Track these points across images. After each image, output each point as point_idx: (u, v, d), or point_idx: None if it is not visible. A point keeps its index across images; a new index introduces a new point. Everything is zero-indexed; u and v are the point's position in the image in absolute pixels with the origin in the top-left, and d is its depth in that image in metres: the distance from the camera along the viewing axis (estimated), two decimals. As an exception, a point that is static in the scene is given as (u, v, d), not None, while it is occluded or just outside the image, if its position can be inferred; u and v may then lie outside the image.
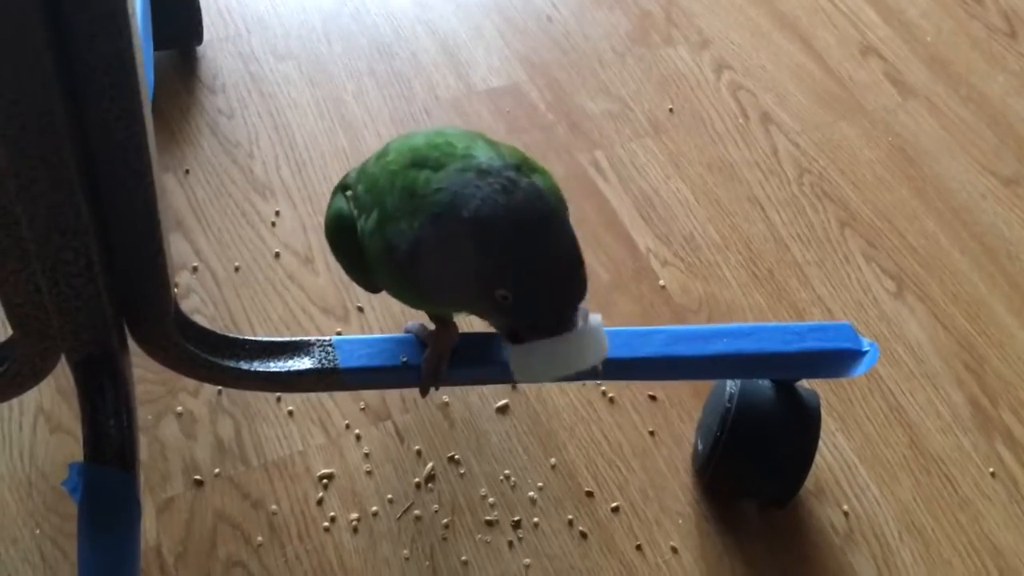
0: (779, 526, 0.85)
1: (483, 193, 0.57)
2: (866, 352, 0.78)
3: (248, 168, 1.06)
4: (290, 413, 0.88)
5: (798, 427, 0.80)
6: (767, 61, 1.24)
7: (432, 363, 0.72)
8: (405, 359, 0.73)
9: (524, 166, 0.64)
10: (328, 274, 0.98)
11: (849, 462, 0.90)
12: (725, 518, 0.85)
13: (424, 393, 0.75)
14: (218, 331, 0.72)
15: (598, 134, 1.13)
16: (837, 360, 0.78)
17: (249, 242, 1.01)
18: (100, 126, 0.55)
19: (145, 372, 0.86)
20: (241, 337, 0.72)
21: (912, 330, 1.01)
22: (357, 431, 0.88)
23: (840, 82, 1.23)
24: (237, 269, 0.98)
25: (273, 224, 1.02)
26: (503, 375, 0.73)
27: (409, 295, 0.67)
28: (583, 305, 0.60)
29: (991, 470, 0.91)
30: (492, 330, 0.72)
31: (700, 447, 0.85)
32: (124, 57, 0.52)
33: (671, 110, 1.16)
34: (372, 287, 0.70)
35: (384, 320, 0.95)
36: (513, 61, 1.19)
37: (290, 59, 1.18)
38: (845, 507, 0.87)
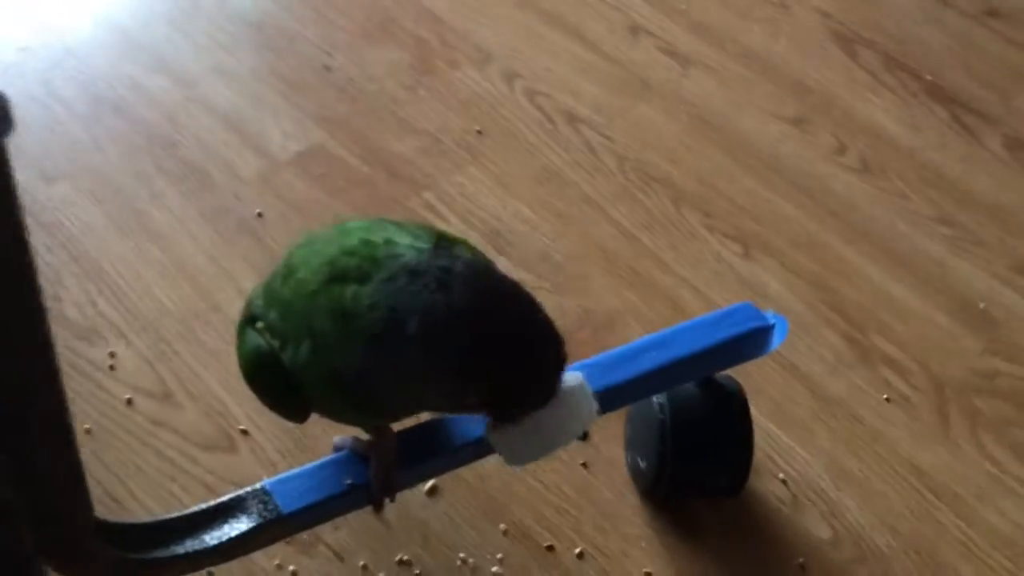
0: (732, 515, 0.86)
1: (422, 301, 0.52)
2: (773, 325, 0.79)
3: (59, 314, 0.94)
4: (209, 574, 0.79)
5: (734, 415, 0.81)
6: (551, 62, 1.24)
7: (382, 474, 0.67)
8: (350, 481, 0.67)
9: (443, 241, 0.59)
10: (194, 404, 0.89)
11: (768, 431, 0.92)
12: (683, 526, 0.85)
13: (379, 509, 0.69)
14: (132, 520, 0.62)
15: (419, 174, 1.09)
16: (753, 341, 0.79)
17: (91, 397, 0.89)
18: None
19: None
20: (161, 518, 0.63)
21: (771, 286, 1.04)
22: (291, 567, 0.80)
23: (623, 66, 1.25)
24: (88, 431, 0.87)
25: (112, 368, 0.91)
26: (457, 461, 0.69)
27: (362, 416, 0.61)
28: None
29: (885, 396, 0.97)
30: (431, 417, 0.67)
31: (643, 465, 0.84)
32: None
33: (480, 132, 1.14)
34: (302, 417, 0.63)
35: (278, 436, 0.87)
36: (306, 121, 1.12)
37: (62, 179, 1.05)
38: (781, 475, 0.90)
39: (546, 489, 0.86)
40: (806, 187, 1.15)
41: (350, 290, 0.55)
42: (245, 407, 0.88)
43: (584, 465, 0.88)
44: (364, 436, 0.69)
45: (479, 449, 0.70)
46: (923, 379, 0.98)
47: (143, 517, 0.80)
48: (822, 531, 0.86)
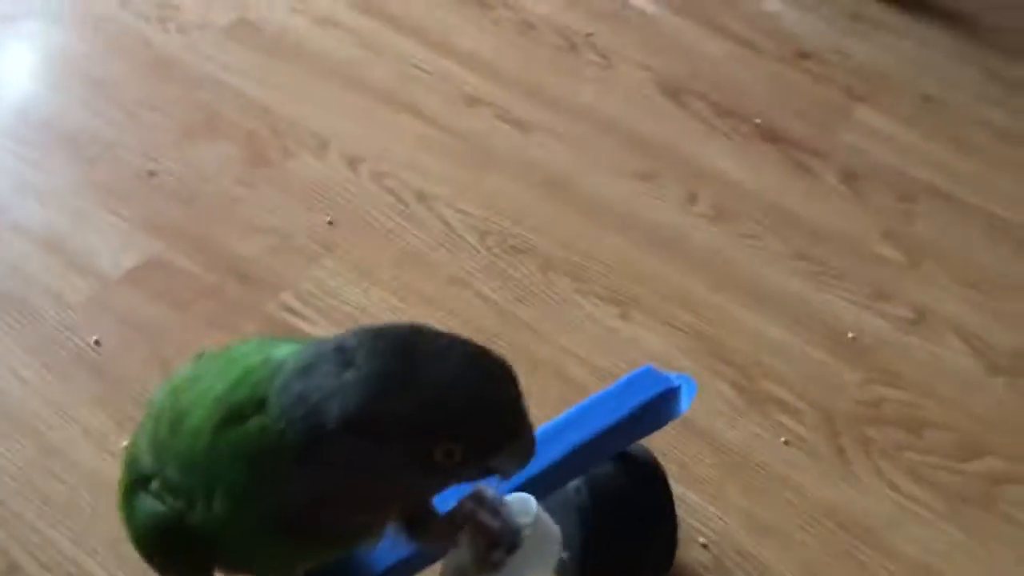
0: (662, 591, 0.82)
1: (329, 390, 0.45)
2: (679, 386, 0.76)
3: None
4: None
5: (655, 486, 0.77)
6: (391, 141, 1.19)
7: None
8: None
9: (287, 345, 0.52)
10: None
11: (680, 495, 0.89)
12: (615, 611, 0.80)
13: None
14: None
15: (272, 275, 1.01)
16: (663, 405, 0.75)
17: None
18: None
19: None
20: None
21: (654, 344, 1.02)
22: None
23: (464, 137, 1.22)
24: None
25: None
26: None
27: (307, 556, 0.53)
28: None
29: (783, 439, 0.96)
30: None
31: (564, 557, 0.78)
32: None
33: (330, 222, 1.08)
34: None
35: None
36: (137, 233, 1.02)
37: None
38: (701, 539, 0.86)
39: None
40: (666, 240, 1.14)
41: (254, 423, 0.47)
42: (109, 567, 0.77)
43: (500, 564, 0.81)
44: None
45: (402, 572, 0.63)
46: (813, 417, 0.98)
47: None
48: (752, 591, 0.83)
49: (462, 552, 0.58)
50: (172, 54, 1.25)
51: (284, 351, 0.49)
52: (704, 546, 0.86)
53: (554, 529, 0.53)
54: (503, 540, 0.56)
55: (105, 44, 1.26)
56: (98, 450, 0.83)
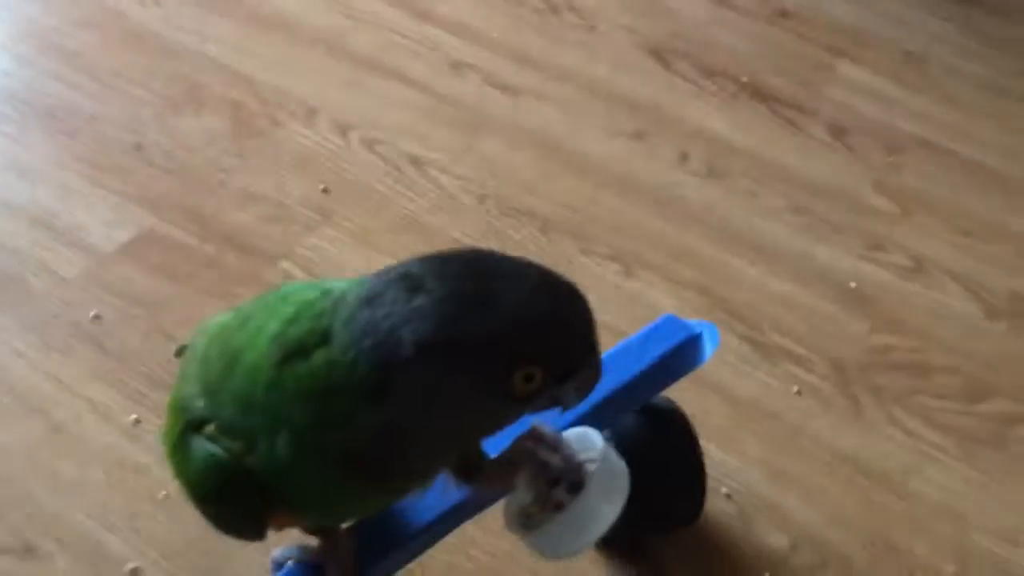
0: (691, 545, 0.82)
1: (401, 317, 0.43)
2: (700, 333, 0.75)
3: None
4: None
5: (682, 437, 0.76)
6: (380, 107, 1.17)
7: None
8: (309, 597, 0.56)
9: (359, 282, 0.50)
10: (65, 552, 0.74)
11: (699, 447, 0.88)
12: (647, 568, 0.79)
13: (348, 619, 0.58)
14: None
15: (270, 244, 0.98)
16: (688, 352, 0.75)
17: (-69, 564, 0.73)
18: None
19: None
20: None
21: (662, 300, 1.02)
22: None
23: (454, 102, 1.20)
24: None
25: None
26: (420, 548, 0.60)
27: (368, 497, 0.51)
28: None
29: (796, 389, 0.95)
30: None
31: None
32: None
33: (325, 190, 1.05)
34: (261, 532, 0.52)
35: (181, 567, 0.74)
36: (128, 206, 0.99)
37: None
38: (724, 490, 0.86)
39: (497, 559, 0.78)
40: (664, 198, 1.13)
41: (317, 358, 0.45)
42: (131, 541, 0.74)
43: (526, 523, 0.80)
44: (310, 545, 0.58)
45: (438, 530, 0.62)
46: (824, 366, 0.98)
47: None
48: (779, 540, 0.83)
49: (521, 494, 0.57)
50: (147, 26, 1.21)
51: (343, 284, 0.47)
52: (728, 496, 0.85)
53: (621, 464, 0.52)
54: (565, 477, 0.54)
55: (76, 17, 1.22)
56: (106, 424, 0.81)
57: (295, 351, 0.46)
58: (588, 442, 0.54)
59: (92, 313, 0.89)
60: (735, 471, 0.87)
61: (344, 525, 0.58)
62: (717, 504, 0.84)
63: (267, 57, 1.20)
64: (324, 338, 0.45)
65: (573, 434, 0.57)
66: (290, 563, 0.58)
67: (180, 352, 0.71)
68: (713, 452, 0.88)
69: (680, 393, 0.90)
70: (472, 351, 0.43)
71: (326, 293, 0.47)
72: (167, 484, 0.77)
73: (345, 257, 0.99)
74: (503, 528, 0.79)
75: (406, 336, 0.43)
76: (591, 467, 0.50)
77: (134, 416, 0.81)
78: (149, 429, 0.81)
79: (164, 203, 1.00)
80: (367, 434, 0.45)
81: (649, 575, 0.79)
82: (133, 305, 0.90)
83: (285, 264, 0.97)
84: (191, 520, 0.75)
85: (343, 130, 1.13)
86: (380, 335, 0.43)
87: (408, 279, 0.44)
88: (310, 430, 0.46)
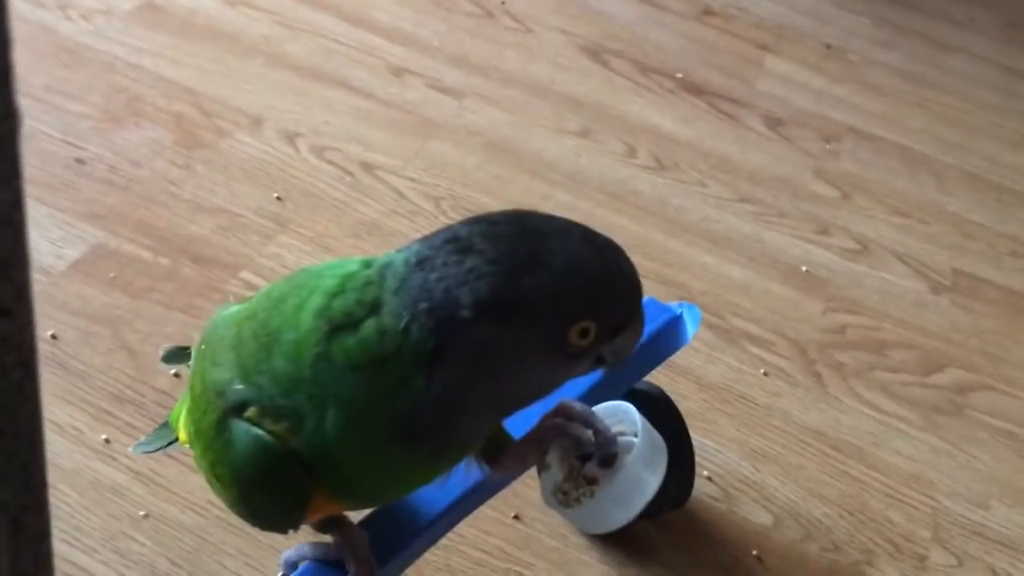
0: (679, 528, 0.82)
1: (456, 278, 0.43)
2: (681, 314, 0.76)
3: None
4: None
5: (671, 421, 0.77)
6: (326, 115, 1.15)
7: (366, 570, 0.55)
8: (332, 595, 0.55)
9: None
10: None
11: (677, 432, 0.89)
12: (636, 552, 0.80)
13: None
14: None
15: (227, 254, 0.96)
16: (671, 333, 0.75)
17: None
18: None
19: None
20: None
21: (623, 292, 1.02)
22: None
23: (399, 107, 1.19)
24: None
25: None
26: (435, 534, 0.60)
27: (418, 473, 0.50)
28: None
29: (763, 371, 0.97)
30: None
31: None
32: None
33: (279, 198, 1.03)
34: (300, 519, 0.50)
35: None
36: (76, 223, 0.96)
37: None
38: (705, 473, 0.87)
39: (489, 556, 0.77)
40: (616, 192, 1.15)
41: (366, 329, 0.44)
42: (111, 563, 0.71)
43: (516, 518, 0.80)
44: (320, 543, 0.57)
45: (453, 517, 0.61)
46: (786, 348, 1.00)
47: None
48: (763, 518, 0.84)
49: (555, 472, 0.57)
50: (78, 41, 1.17)
51: (386, 255, 0.46)
52: (709, 479, 0.86)
53: (659, 437, 0.52)
54: (597, 452, 0.54)
55: (0, 34, 1.17)
56: (77, 446, 0.77)
57: (342, 323, 0.45)
58: (623, 415, 0.54)
59: (49, 333, 0.85)
60: (713, 453, 0.89)
61: (365, 512, 0.57)
62: (699, 487, 0.85)
63: (205, 68, 1.17)
64: (373, 308, 0.44)
65: (605, 409, 0.57)
66: (306, 562, 0.56)
67: (168, 357, 0.69)
68: (693, 438, 0.89)
69: (654, 380, 0.91)
70: (530, 308, 0.43)
71: (369, 263, 0.46)
72: (147, 504, 0.75)
73: (306, 264, 0.97)
74: (496, 523, 0.78)
75: (463, 297, 0.42)
76: (625, 440, 0.50)
77: (104, 436, 0.78)
78: (119, 449, 0.78)
79: (113, 218, 0.97)
80: (422, 400, 0.44)
81: (639, 559, 0.79)
82: (91, 323, 0.87)
83: (245, 274, 0.94)
84: (173, 541, 0.72)
85: (291, 138, 1.11)
86: (435, 298, 0.43)
87: (457, 241, 0.44)
88: (362, 402, 0.44)
